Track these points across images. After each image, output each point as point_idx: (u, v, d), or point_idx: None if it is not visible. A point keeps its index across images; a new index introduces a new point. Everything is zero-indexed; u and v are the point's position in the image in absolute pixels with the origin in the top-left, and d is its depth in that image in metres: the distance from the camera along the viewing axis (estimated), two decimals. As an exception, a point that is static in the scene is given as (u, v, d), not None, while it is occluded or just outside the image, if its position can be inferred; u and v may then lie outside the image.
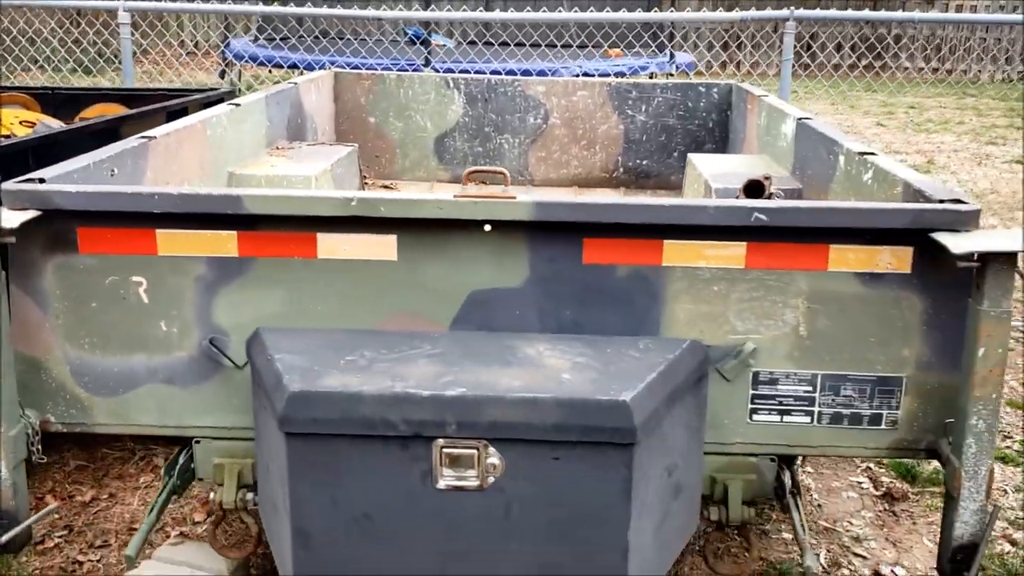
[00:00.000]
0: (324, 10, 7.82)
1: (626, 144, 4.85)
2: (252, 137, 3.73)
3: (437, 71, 9.09)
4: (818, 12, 5.31)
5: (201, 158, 3.21)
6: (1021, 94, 14.62)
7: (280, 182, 3.40)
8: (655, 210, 2.10)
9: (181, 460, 2.35)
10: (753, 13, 5.15)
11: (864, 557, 3.43)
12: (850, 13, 5.53)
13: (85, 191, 2.12)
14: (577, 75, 9.19)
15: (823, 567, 3.37)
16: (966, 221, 2.04)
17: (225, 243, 2.17)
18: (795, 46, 13.93)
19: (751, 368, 2.20)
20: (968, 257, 1.98)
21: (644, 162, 4.87)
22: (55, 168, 2.34)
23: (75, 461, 3.90)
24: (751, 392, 2.21)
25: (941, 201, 2.11)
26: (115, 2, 5.22)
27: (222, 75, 10.34)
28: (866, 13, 4.89)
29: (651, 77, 10.48)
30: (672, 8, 11.98)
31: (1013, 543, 3.48)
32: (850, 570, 3.35)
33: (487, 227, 2.12)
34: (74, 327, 2.23)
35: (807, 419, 2.22)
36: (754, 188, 2.95)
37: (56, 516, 3.54)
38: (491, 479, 1.82)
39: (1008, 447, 4.19)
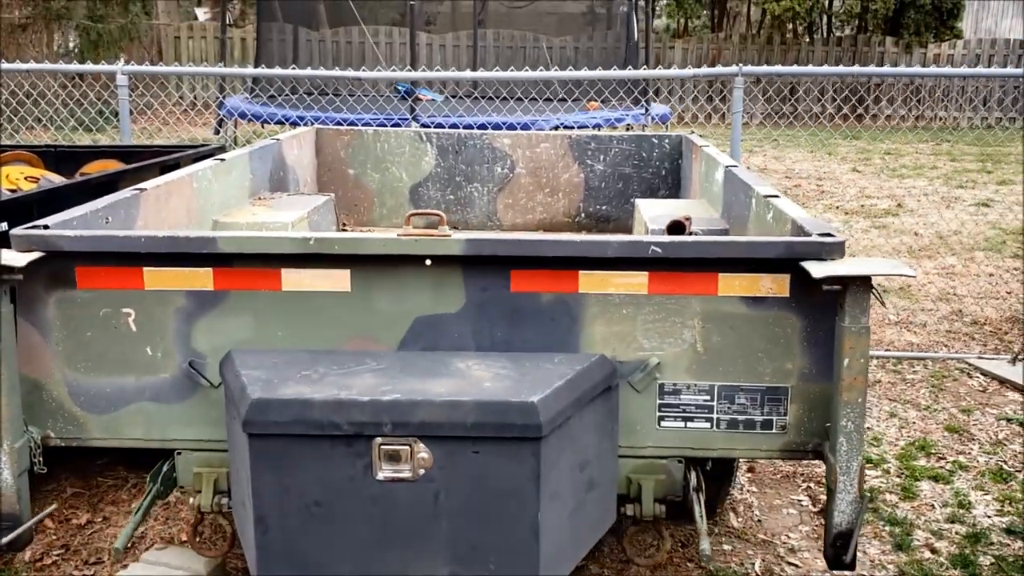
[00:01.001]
0: (320, 72, 8.25)
1: (587, 191, 5.24)
2: (236, 188, 4.11)
3: (427, 126, 9.55)
4: (764, 68, 5.72)
5: (188, 207, 3.58)
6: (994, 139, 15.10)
7: (259, 228, 3.77)
8: (569, 245, 2.46)
9: (164, 469, 2.68)
10: (705, 70, 5.56)
11: (796, 566, 3.73)
12: (795, 68, 5.93)
13: (82, 235, 2.48)
14: (556, 127, 9.65)
15: (756, 574, 3.67)
16: (832, 251, 2.39)
17: (203, 278, 2.52)
18: (776, 97, 14.26)
19: (657, 380, 2.54)
20: (830, 281, 2.33)
21: (604, 207, 5.24)
22: (57, 216, 2.71)
23: (72, 488, 4.21)
24: (658, 402, 2.55)
25: (809, 235, 2.47)
26: (113, 67, 5.64)
27: (216, 131, 10.78)
28: (814, 68, 5.27)
29: (627, 128, 10.94)
30: (647, 63, 12.50)
31: (934, 551, 3.78)
32: (781, 577, 3.66)
33: (428, 261, 2.48)
34: (72, 353, 2.57)
35: (707, 425, 2.56)
36: (676, 227, 3.32)
37: (54, 537, 3.85)
38: (422, 471, 2.15)
39: (941, 467, 4.50)
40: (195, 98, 18.83)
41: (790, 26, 20.71)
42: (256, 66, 11.51)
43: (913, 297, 7.13)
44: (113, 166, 5.03)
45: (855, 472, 2.43)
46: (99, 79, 14.52)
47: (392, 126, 8.17)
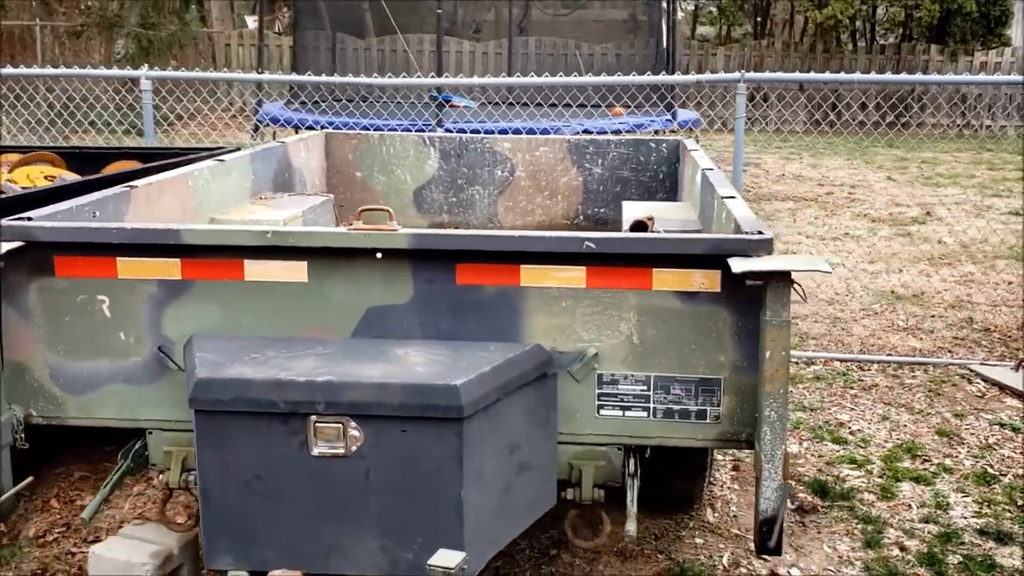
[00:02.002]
0: (348, 79, 8.46)
1: (585, 194, 5.36)
2: (236, 188, 4.31)
3: (449, 131, 9.74)
4: (767, 75, 5.80)
5: (183, 205, 3.78)
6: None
7: (253, 223, 3.95)
8: (509, 240, 2.59)
9: (136, 447, 2.86)
10: (708, 76, 5.64)
11: (765, 560, 3.80)
12: (797, 75, 5.98)
13: (59, 226, 2.68)
14: (578, 132, 9.77)
15: (723, 567, 3.76)
16: (757, 248, 2.50)
17: (171, 268, 2.71)
18: (822, 105, 14.20)
19: (596, 370, 2.66)
20: (751, 276, 2.44)
21: (602, 210, 5.36)
22: (45, 210, 2.91)
23: (79, 472, 4.44)
24: (597, 391, 2.67)
25: (740, 233, 2.57)
26: (137, 72, 5.90)
27: (253, 136, 11.09)
28: (816, 75, 5.31)
29: (655, 133, 11.01)
30: (674, 69, 12.51)
31: (903, 549, 3.83)
32: (748, 570, 3.73)
33: (378, 255, 2.63)
34: (52, 337, 2.77)
35: (644, 414, 2.67)
36: (639, 226, 3.43)
37: (58, 516, 4.08)
38: (354, 448, 2.30)
39: (925, 469, 4.53)
40: (243, 104, 19.33)
41: (835, 34, 20.56)
42: (293, 73, 11.79)
43: (926, 304, 7.12)
44: (131, 166, 5.28)
45: (779, 460, 2.52)
46: (151, 84, 14.97)
47: (417, 131, 8.37)
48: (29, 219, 2.76)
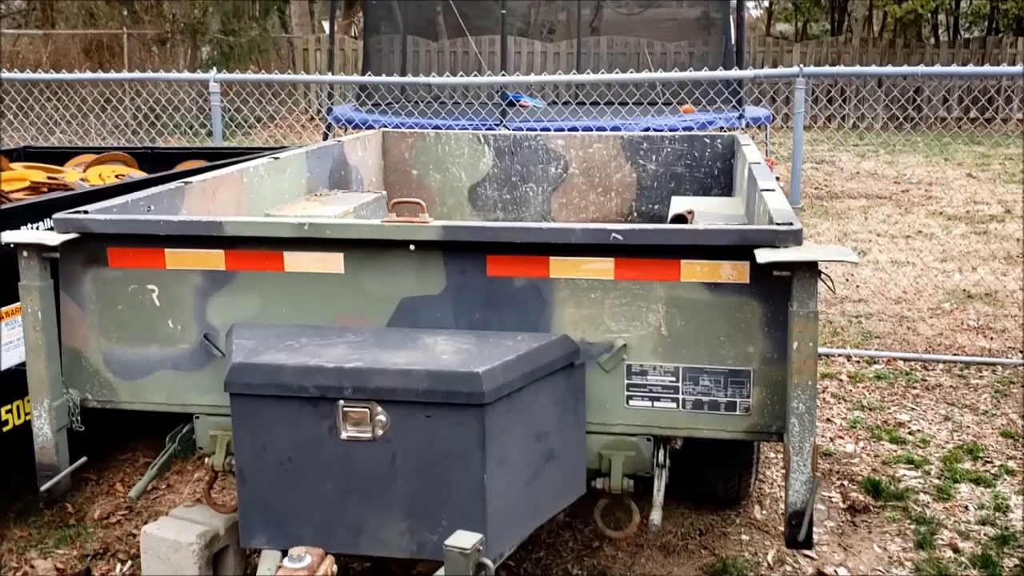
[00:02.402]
0: (408, 79, 8.61)
1: (639, 190, 5.35)
2: (292, 185, 4.44)
3: (519, 130, 9.80)
4: (827, 69, 5.70)
5: (237, 200, 3.91)
6: None
7: (307, 219, 4.06)
8: (538, 232, 2.63)
9: (183, 431, 2.98)
10: (766, 71, 5.58)
11: (812, 558, 3.76)
12: (858, 69, 5.87)
13: (111, 218, 2.81)
14: (646, 130, 9.74)
15: (768, 564, 3.73)
16: (784, 239, 2.48)
17: (215, 259, 2.81)
18: (900, 100, 13.90)
19: (625, 361, 2.68)
20: (777, 267, 2.43)
21: (656, 206, 5.34)
22: (102, 203, 3.06)
23: (144, 458, 4.62)
24: (626, 382, 2.69)
25: (770, 223, 2.56)
26: (206, 75, 6.10)
27: (325, 137, 11.33)
28: (879, 68, 5.20)
29: (721, 131, 10.90)
30: (741, 65, 12.38)
31: (957, 551, 3.74)
32: (793, 568, 3.70)
33: (411, 247, 2.70)
34: (105, 324, 2.91)
35: (673, 405, 2.68)
36: (679, 220, 3.43)
37: (121, 499, 4.25)
38: (380, 432, 2.37)
39: (986, 471, 4.41)
40: (320, 107, 19.74)
41: (915, 29, 20.02)
42: (363, 75, 12.02)
43: (998, 303, 6.90)
44: (199, 165, 5.47)
45: (807, 453, 2.51)
46: (232, 88, 15.43)
47: (473, 130, 8.43)
48: (85, 212, 2.90)
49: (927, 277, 7.52)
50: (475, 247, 2.67)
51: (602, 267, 2.63)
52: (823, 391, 5.39)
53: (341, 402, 2.37)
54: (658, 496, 2.70)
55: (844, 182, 13.02)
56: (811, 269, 2.41)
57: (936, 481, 4.32)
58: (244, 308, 2.83)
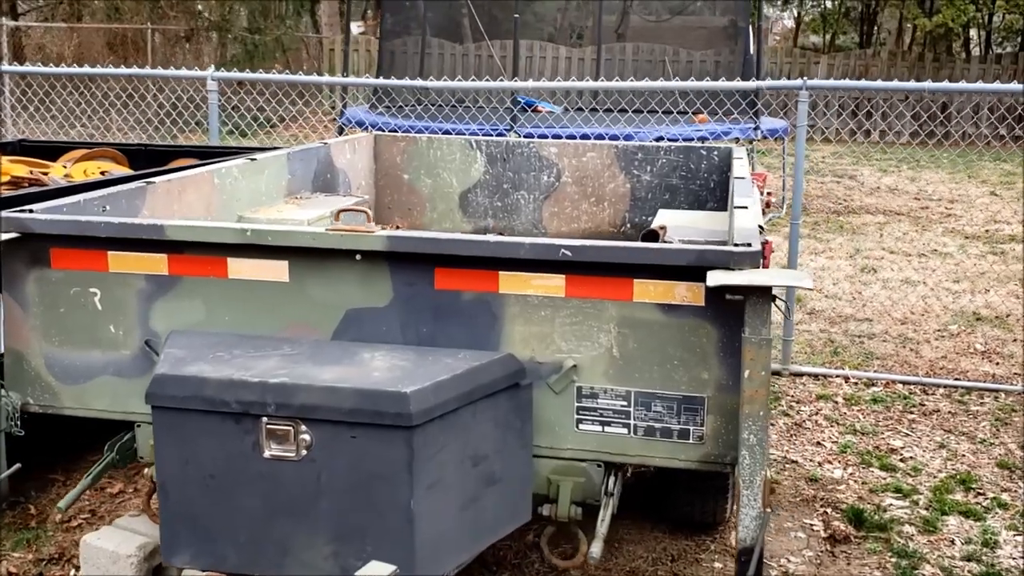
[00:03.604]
0: (418, 83, 8.52)
1: (633, 201, 5.22)
2: (270, 187, 4.35)
3: (530, 136, 9.71)
4: (831, 82, 5.54)
5: (208, 202, 3.83)
6: None
7: (279, 223, 3.97)
8: (485, 245, 2.52)
9: (124, 440, 2.90)
10: (769, 83, 5.44)
11: (784, 589, 3.62)
12: (861, 83, 5.72)
13: (52, 219, 2.73)
14: (657, 139, 9.61)
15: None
16: (739, 261, 2.35)
17: (158, 264, 2.73)
18: (922, 116, 13.68)
19: (575, 383, 2.56)
20: (728, 290, 2.30)
21: (649, 218, 5.20)
22: (52, 202, 2.98)
23: (132, 464, 4.54)
24: (576, 404, 2.57)
25: (723, 244, 2.43)
26: (204, 73, 6.04)
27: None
28: (884, 83, 5.04)
29: (736, 142, 10.74)
30: (758, 76, 12.22)
31: (939, 588, 3.59)
32: (765, 600, 3.55)
33: (358, 256, 2.59)
34: (47, 327, 2.83)
35: (624, 430, 2.56)
36: (650, 236, 3.30)
37: (86, 502, 4.18)
38: (304, 451, 2.27)
39: (977, 503, 4.24)
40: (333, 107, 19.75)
41: (946, 43, 19.70)
42: (377, 77, 11.98)
43: (1009, 327, 6.70)
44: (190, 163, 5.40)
45: (758, 486, 2.37)
46: (256, 87, 15.45)
47: (484, 135, 8.36)
48: (30, 211, 2.82)
49: (936, 297, 7.32)
50: (423, 259, 2.57)
51: (553, 283, 2.52)
52: (816, 413, 5.23)
53: (264, 419, 2.27)
54: (601, 527, 2.58)
55: (863, 197, 12.80)
56: (764, 294, 2.29)
57: (923, 512, 4.15)
58: (188, 314, 2.74)
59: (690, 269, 2.41)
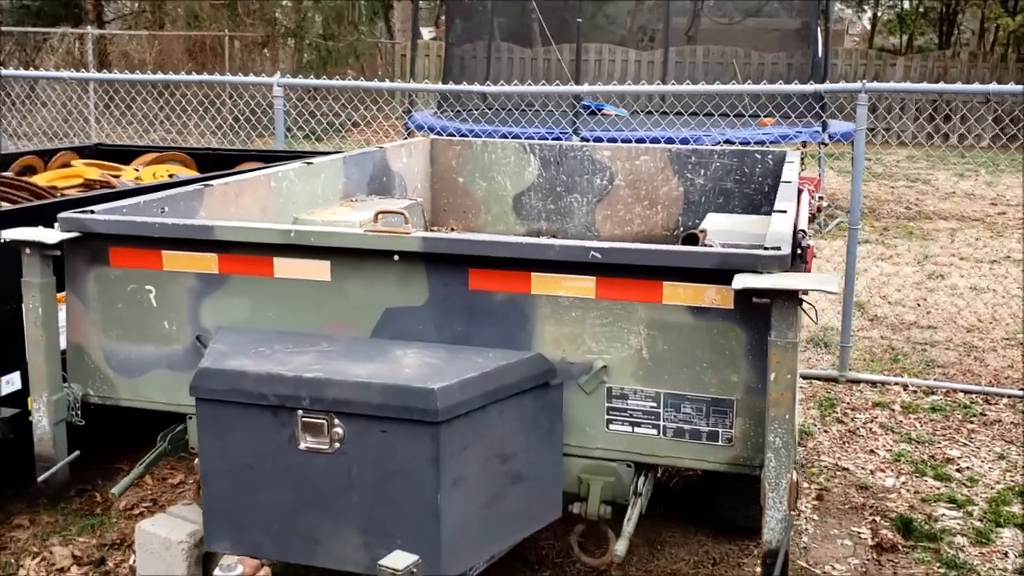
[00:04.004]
0: (487, 87, 8.62)
1: (686, 205, 5.22)
2: (326, 190, 4.47)
3: (586, 139, 9.75)
4: (891, 85, 5.46)
5: (264, 205, 3.96)
6: None
7: (333, 224, 4.09)
8: (519, 247, 2.57)
9: (176, 431, 3.02)
10: (827, 86, 5.38)
11: (827, 596, 3.59)
12: (922, 86, 5.61)
13: (110, 219, 2.87)
14: (719, 143, 9.55)
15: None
16: (767, 264, 2.37)
17: (209, 263, 2.85)
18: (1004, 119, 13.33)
19: (605, 384, 2.59)
20: (755, 294, 2.31)
21: (703, 222, 5.20)
22: (113, 203, 3.13)
23: (184, 454, 4.72)
24: (606, 404, 2.60)
25: (756, 248, 2.44)
26: (271, 79, 6.23)
27: (404, 141, 11.46)
28: (939, 86, 4.96)
29: (804, 146, 10.60)
30: (826, 78, 12.03)
31: (985, 601, 3.52)
32: (805, 605, 3.54)
33: (395, 257, 2.68)
34: (106, 322, 2.97)
35: (654, 431, 2.58)
36: (691, 239, 3.32)
37: (148, 491, 4.36)
38: (337, 444, 2.35)
39: (1037, 516, 4.15)
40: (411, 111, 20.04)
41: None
42: (443, 83, 12.15)
43: (1081, 336, 6.50)
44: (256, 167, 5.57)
45: (784, 489, 2.38)
46: (331, 93, 15.77)
47: (554, 139, 8.42)
48: (92, 212, 2.97)
49: (1007, 306, 7.14)
50: (457, 260, 2.63)
51: (583, 285, 2.56)
52: (871, 420, 5.16)
53: (300, 412, 2.36)
54: (628, 526, 2.61)
55: (937, 202, 12.51)
56: (791, 297, 2.29)
57: (977, 523, 4.07)
58: (235, 311, 2.85)
59: (718, 272, 2.43)
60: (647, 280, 2.50)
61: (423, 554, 2.29)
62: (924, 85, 5.49)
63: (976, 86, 5.00)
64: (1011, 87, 4.49)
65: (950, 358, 6.10)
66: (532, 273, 2.59)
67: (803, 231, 3.37)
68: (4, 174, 4.92)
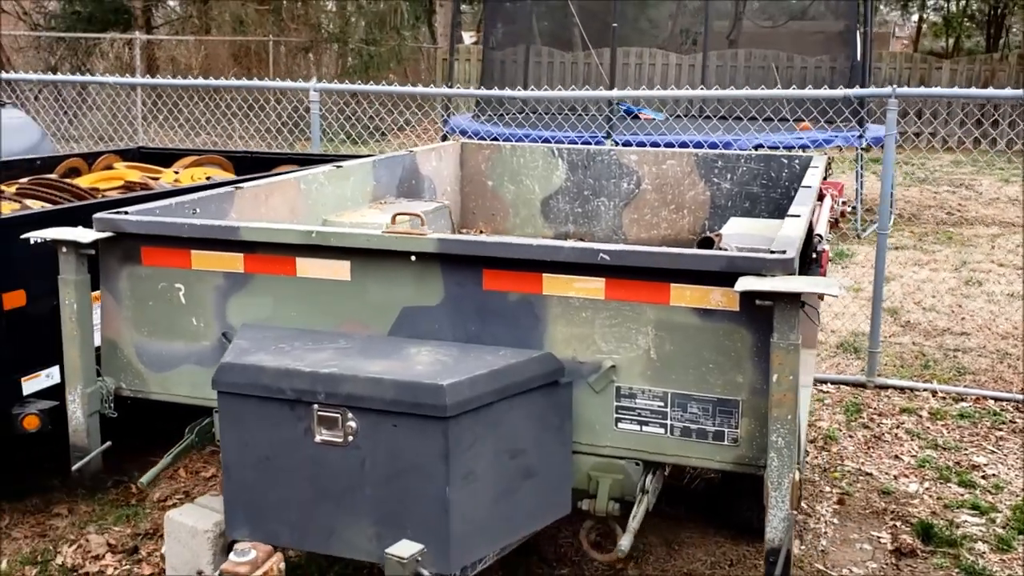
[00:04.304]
0: (507, 92, 8.71)
1: (712, 209, 5.25)
2: (356, 192, 4.58)
3: (616, 143, 9.79)
4: (921, 90, 5.44)
5: (293, 207, 4.08)
6: None
7: (359, 226, 4.19)
8: (529, 248, 2.65)
9: (203, 424, 3.14)
10: (857, 91, 5.38)
11: (843, 599, 3.61)
12: (954, 91, 5.60)
13: (142, 220, 3.00)
14: (756, 147, 9.54)
15: (796, 602, 3.60)
16: (771, 268, 2.42)
17: (235, 262, 2.96)
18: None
19: (614, 383, 2.66)
20: (758, 296, 2.36)
21: (724, 226, 5.23)
22: (146, 204, 3.26)
23: (211, 447, 4.86)
24: (615, 403, 2.67)
25: (759, 251, 2.49)
26: (307, 84, 6.37)
27: (440, 145, 11.58)
28: (971, 91, 4.95)
29: (839, 151, 10.54)
30: (866, 83, 11.93)
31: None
32: (820, 607, 3.56)
33: (412, 257, 2.76)
34: (138, 319, 3.10)
35: (662, 430, 2.64)
36: (706, 242, 3.37)
37: (181, 484, 4.50)
38: (351, 437, 2.44)
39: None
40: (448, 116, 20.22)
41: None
42: (480, 87, 12.26)
43: (1118, 344, 6.41)
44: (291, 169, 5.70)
45: (786, 488, 2.42)
46: (366, 97, 15.96)
47: (583, 143, 8.49)
48: (125, 212, 3.10)
49: (1044, 312, 7.05)
50: (471, 261, 2.71)
51: (593, 286, 2.62)
52: (898, 426, 5.15)
53: (315, 406, 2.45)
54: (633, 522, 2.67)
55: (980, 208, 12.35)
56: (792, 300, 2.34)
57: (999, 530, 4.06)
58: (259, 309, 2.96)
59: (723, 275, 2.48)
60: (655, 282, 2.56)
61: (432, 545, 2.38)
62: (955, 90, 5.46)
63: (1008, 91, 4.97)
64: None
65: (982, 365, 6.05)
66: (544, 274, 2.66)
67: (819, 235, 3.41)
68: (49, 176, 5.10)
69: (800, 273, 2.53)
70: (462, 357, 2.54)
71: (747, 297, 2.46)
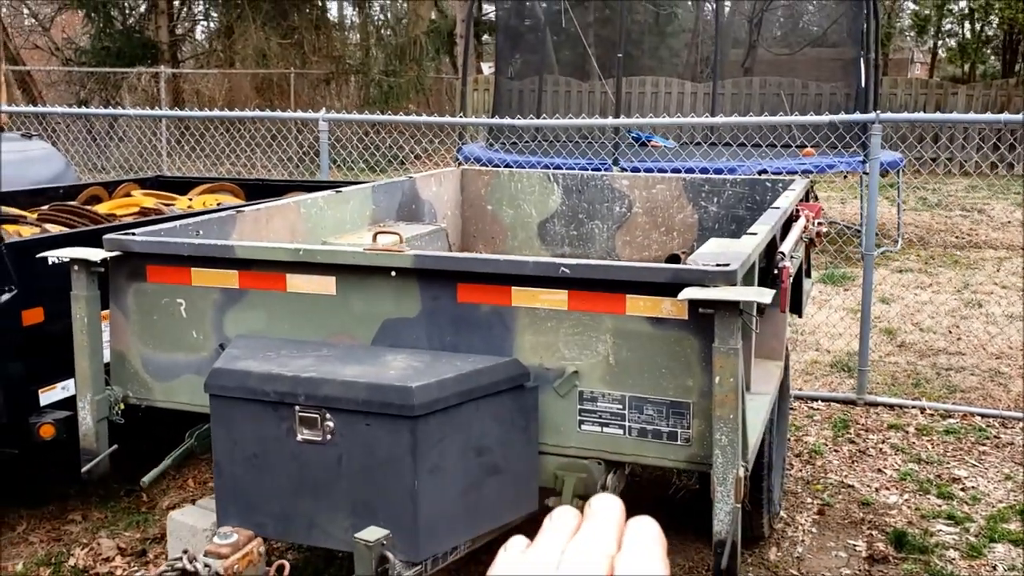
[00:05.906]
0: (518, 120, 8.97)
1: (700, 231, 5.45)
2: (355, 216, 4.83)
3: (624, 169, 10.02)
4: (904, 116, 5.63)
5: (293, 229, 4.33)
6: None
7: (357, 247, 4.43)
8: (498, 263, 2.87)
9: (202, 430, 3.37)
10: (841, 116, 5.57)
11: (814, 603, 3.76)
12: (937, 116, 5.78)
13: (146, 240, 3.25)
14: (761, 172, 9.73)
15: (766, 604, 3.75)
16: (712, 279, 2.62)
17: (231, 279, 3.20)
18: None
19: (577, 387, 2.86)
20: (701, 304, 2.57)
21: (703, 246, 5.43)
22: (152, 226, 3.51)
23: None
24: (578, 407, 2.87)
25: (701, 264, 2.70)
26: (316, 115, 6.66)
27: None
28: (953, 116, 5.13)
29: (844, 177, 10.70)
30: (868, 108, 12.05)
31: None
32: (792, 610, 3.71)
33: (392, 272, 2.99)
34: (143, 332, 3.35)
35: (620, 431, 2.84)
36: (673, 259, 3.57)
37: (190, 493, 4.73)
38: (329, 436, 2.66)
39: (1031, 532, 4.25)
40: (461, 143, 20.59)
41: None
42: (492, 116, 12.57)
43: (1110, 363, 6.51)
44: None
45: (731, 483, 2.61)
46: (396, 128, 16.30)
47: (593, 170, 8.72)
48: (133, 234, 3.36)
49: (1040, 333, 7.16)
50: (446, 275, 2.94)
51: (557, 298, 2.84)
52: (883, 441, 5.29)
53: (296, 407, 2.68)
54: None
55: (990, 231, 12.44)
56: (731, 308, 2.54)
57: (972, 539, 4.20)
58: (254, 322, 3.20)
59: (672, 286, 2.69)
60: (612, 293, 2.77)
61: (402, 534, 2.58)
62: (938, 115, 5.65)
63: (988, 115, 5.15)
64: (1006, 116, 4.64)
65: (972, 383, 6.18)
66: (512, 287, 2.88)
67: (782, 253, 3.61)
68: (69, 203, 5.40)
69: (764, 286, 2.72)
70: (433, 363, 2.76)
71: (693, 306, 2.67)
